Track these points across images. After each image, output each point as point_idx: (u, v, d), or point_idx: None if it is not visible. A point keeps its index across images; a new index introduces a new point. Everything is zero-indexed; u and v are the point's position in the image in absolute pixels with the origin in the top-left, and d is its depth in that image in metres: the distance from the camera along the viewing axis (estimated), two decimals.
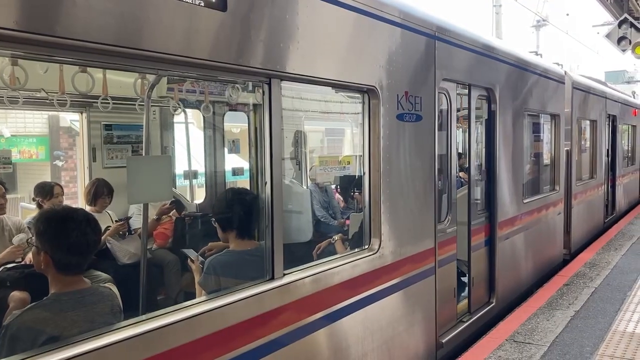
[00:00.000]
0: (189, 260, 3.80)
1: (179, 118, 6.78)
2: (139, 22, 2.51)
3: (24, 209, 8.72)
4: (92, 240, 2.73)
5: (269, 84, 3.24)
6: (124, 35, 2.44)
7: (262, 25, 3.15)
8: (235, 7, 2.93)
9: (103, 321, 2.62)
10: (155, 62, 2.71)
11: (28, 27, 2.11)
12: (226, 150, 7.36)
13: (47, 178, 11.22)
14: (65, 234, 2.66)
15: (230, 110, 7.21)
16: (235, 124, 8.29)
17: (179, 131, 6.97)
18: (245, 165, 7.70)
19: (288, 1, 3.34)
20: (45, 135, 12.62)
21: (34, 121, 12.50)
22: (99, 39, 2.33)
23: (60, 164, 12.27)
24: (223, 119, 7.18)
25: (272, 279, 3.26)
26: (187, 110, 6.66)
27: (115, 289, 2.87)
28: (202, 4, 2.76)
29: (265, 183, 3.28)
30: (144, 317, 2.64)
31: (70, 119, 11.66)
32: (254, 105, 7.10)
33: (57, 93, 4.81)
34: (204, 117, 6.85)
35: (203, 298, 3.11)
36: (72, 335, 2.44)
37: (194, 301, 3.00)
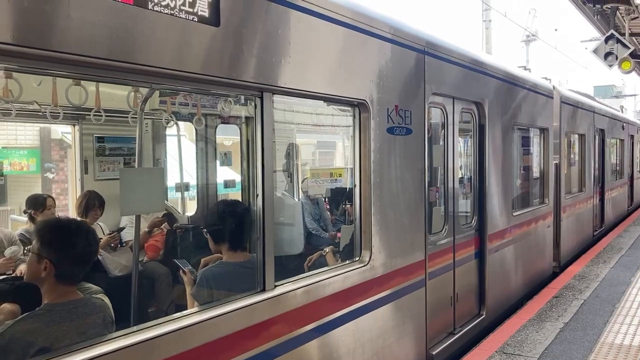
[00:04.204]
0: (180, 271, 3.81)
1: (170, 131, 6.81)
2: (133, 36, 2.55)
3: (14, 222, 8.68)
4: (94, 251, 2.78)
5: (261, 98, 3.29)
6: (118, 49, 2.48)
7: (254, 40, 3.20)
8: (228, 22, 2.98)
9: (95, 332, 2.63)
10: (149, 76, 2.75)
11: (25, 41, 2.15)
12: (218, 162, 7.38)
13: (38, 190, 11.18)
14: (73, 244, 2.70)
15: (222, 123, 7.25)
16: (227, 137, 8.32)
17: (170, 144, 7.00)
18: (236, 177, 7.72)
19: (280, 16, 3.40)
20: (37, 148, 12.58)
21: (25, 133, 12.46)
22: (94, 52, 2.37)
23: (51, 176, 12.23)
24: (215, 131, 7.22)
25: (264, 290, 3.29)
26: (179, 122, 6.69)
27: (107, 300, 2.90)
28: (196, 19, 2.81)
29: (257, 195, 3.31)
30: (135, 328, 2.66)
31: (62, 131, 11.64)
32: (246, 118, 7.15)
33: (49, 105, 4.83)
34: (196, 129, 6.89)
35: (195, 309, 3.12)
36: (64, 345, 2.46)
37: (186, 312, 3.02)
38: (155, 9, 2.60)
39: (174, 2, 2.68)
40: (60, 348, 2.43)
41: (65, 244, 2.72)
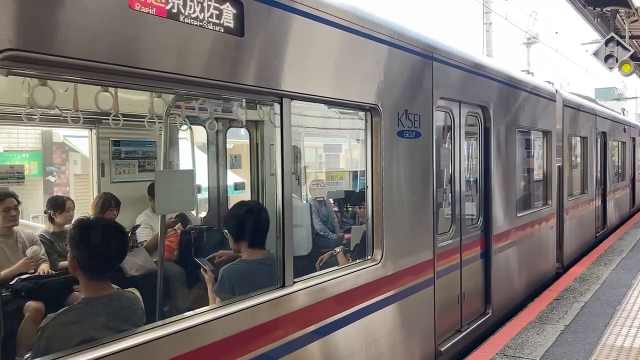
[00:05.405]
0: (202, 269, 3.98)
1: (182, 134, 6.98)
2: (165, 47, 2.72)
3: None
4: (118, 249, 2.94)
5: (281, 103, 3.46)
6: (150, 59, 2.65)
7: (275, 48, 3.37)
8: (251, 33, 3.16)
9: (130, 323, 2.80)
10: (178, 84, 2.93)
11: (77, 54, 2.33)
12: (228, 165, 7.56)
13: (40, 193, 11.34)
14: (91, 242, 2.86)
15: (232, 127, 7.44)
16: (238, 140, 8.50)
17: (183, 147, 7.17)
18: (246, 179, 7.89)
19: (299, 27, 3.57)
20: (38, 151, 12.73)
21: (27, 137, 12.59)
22: (134, 63, 2.56)
23: (53, 179, 12.38)
24: (225, 135, 7.40)
25: (284, 286, 3.46)
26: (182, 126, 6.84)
27: (138, 294, 3.06)
28: (222, 30, 2.98)
29: (277, 196, 3.48)
30: (168, 320, 2.82)
31: (64, 134, 11.80)
32: (256, 122, 7.34)
33: (70, 110, 5.01)
34: (207, 133, 7.07)
35: (221, 304, 3.28)
36: (102, 336, 2.62)
37: (211, 307, 3.18)
38: (186, 21, 2.77)
39: (202, 14, 2.86)
40: (99, 338, 2.59)
41: (84, 241, 2.88)
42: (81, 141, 11.03)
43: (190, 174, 3.69)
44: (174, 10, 2.71)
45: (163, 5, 2.66)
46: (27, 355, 2.72)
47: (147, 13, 2.59)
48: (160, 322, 2.80)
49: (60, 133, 11.84)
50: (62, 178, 12.84)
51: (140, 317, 2.91)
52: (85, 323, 2.69)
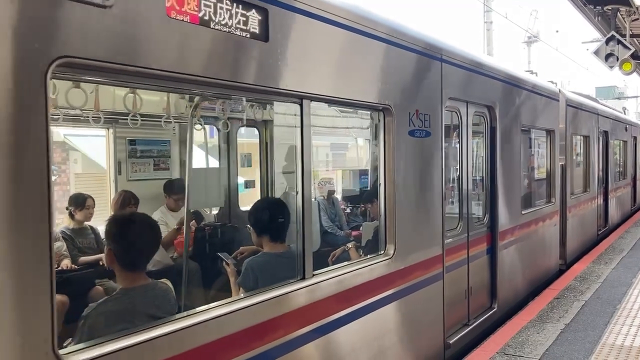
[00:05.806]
0: (224, 263, 4.17)
1: (197, 133, 7.14)
2: (195, 52, 2.89)
3: None
4: (150, 241, 3.12)
5: (301, 105, 3.63)
6: (183, 64, 2.83)
7: (297, 52, 3.55)
8: (275, 38, 3.33)
9: (164, 311, 2.98)
10: (208, 87, 3.10)
11: (124, 60, 2.51)
12: (239, 163, 7.73)
13: None
14: (126, 235, 3.04)
15: (242, 126, 7.61)
16: (248, 139, 8.67)
17: (197, 146, 7.34)
18: (256, 177, 8.05)
19: (318, 32, 3.75)
20: None
21: None
22: (170, 68, 2.73)
23: (53, 178, 12.52)
24: (236, 134, 7.57)
25: (304, 278, 3.64)
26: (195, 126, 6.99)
27: (170, 284, 3.24)
28: (248, 36, 3.16)
29: (297, 192, 3.66)
30: (198, 309, 3.00)
31: (64, 133, 11.95)
32: (265, 121, 7.51)
33: (92, 110, 5.18)
34: (219, 132, 7.24)
35: (248, 294, 3.46)
36: (140, 323, 2.79)
37: (238, 297, 3.36)
38: (216, 27, 2.95)
39: (231, 21, 3.04)
40: (137, 325, 2.76)
41: (121, 235, 3.08)
42: (82, 140, 11.20)
43: (221, 172, 3.86)
44: (206, 18, 2.89)
45: (196, 13, 2.84)
46: (67, 342, 2.89)
47: (182, 21, 2.76)
48: (192, 311, 2.97)
49: (60, 132, 11.98)
50: (62, 177, 13.00)
51: (173, 305, 3.09)
52: (124, 311, 2.87)
